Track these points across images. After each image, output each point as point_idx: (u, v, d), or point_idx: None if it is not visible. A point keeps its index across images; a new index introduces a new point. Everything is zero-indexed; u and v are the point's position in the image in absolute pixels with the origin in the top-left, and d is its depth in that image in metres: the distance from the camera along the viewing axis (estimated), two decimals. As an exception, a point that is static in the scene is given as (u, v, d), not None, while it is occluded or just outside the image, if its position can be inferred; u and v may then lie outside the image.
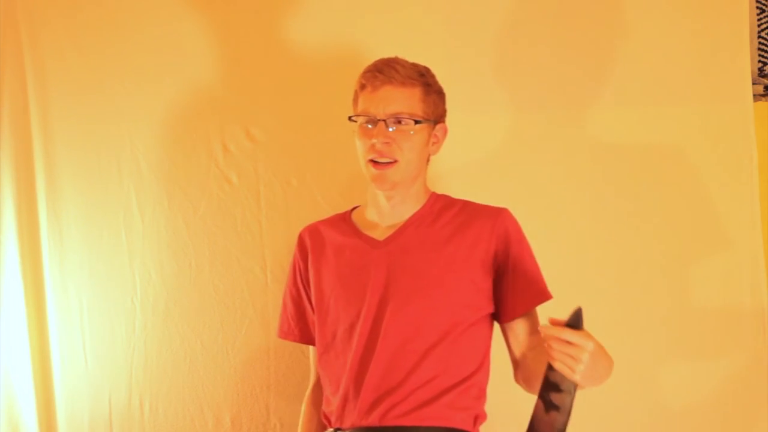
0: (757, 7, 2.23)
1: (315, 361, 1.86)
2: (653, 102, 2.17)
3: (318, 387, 1.86)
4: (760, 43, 2.23)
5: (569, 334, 1.40)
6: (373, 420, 1.64)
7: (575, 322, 1.41)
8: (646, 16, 2.18)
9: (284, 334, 1.89)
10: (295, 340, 1.89)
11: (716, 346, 2.13)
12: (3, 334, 2.30)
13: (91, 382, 2.29)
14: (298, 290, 1.86)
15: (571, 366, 1.41)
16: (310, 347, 1.88)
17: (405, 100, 1.70)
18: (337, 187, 2.25)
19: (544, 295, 1.73)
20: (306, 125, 2.27)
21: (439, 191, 1.83)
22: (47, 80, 2.35)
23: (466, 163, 2.19)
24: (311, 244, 1.83)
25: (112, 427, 2.28)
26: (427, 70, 1.76)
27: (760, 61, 2.23)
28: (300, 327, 1.86)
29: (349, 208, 1.88)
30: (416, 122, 1.70)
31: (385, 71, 1.70)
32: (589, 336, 1.42)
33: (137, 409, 2.27)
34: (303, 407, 1.88)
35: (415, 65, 1.74)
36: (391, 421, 1.63)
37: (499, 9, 2.22)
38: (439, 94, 1.77)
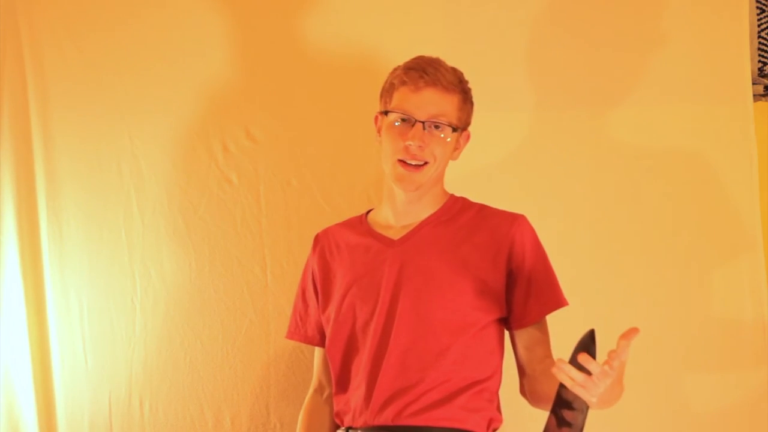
0: (757, 7, 2.23)
1: (319, 364, 1.86)
2: (653, 102, 2.17)
3: (318, 393, 1.86)
4: (760, 43, 2.23)
5: (587, 363, 1.35)
6: (385, 419, 1.64)
7: (587, 346, 1.37)
8: (646, 17, 2.18)
9: (291, 334, 1.90)
10: (301, 340, 1.89)
11: (716, 352, 2.12)
12: (3, 334, 2.30)
13: (91, 382, 2.29)
14: (309, 291, 1.86)
15: (588, 389, 1.37)
16: (315, 350, 1.88)
17: (446, 105, 1.69)
18: (337, 187, 2.24)
19: (557, 303, 1.73)
20: (306, 125, 2.27)
21: (459, 192, 1.83)
22: (47, 80, 2.34)
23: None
24: (327, 246, 1.83)
25: (112, 427, 2.28)
26: (463, 76, 1.75)
27: (760, 61, 2.23)
28: (307, 327, 1.86)
29: (347, 209, 1.88)
30: (453, 130, 1.70)
31: (431, 72, 1.68)
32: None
33: (137, 409, 2.27)
34: (300, 415, 1.87)
35: (454, 70, 1.73)
36: (403, 421, 1.63)
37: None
38: (472, 103, 1.77)
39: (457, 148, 1.76)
